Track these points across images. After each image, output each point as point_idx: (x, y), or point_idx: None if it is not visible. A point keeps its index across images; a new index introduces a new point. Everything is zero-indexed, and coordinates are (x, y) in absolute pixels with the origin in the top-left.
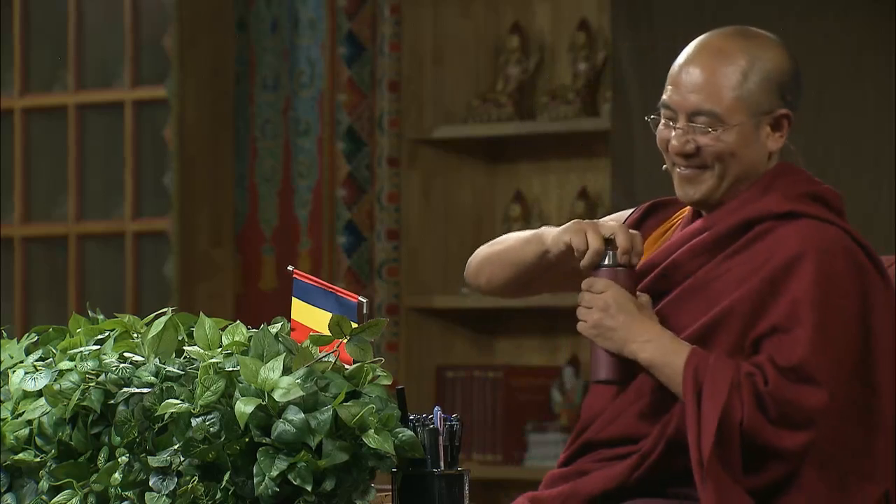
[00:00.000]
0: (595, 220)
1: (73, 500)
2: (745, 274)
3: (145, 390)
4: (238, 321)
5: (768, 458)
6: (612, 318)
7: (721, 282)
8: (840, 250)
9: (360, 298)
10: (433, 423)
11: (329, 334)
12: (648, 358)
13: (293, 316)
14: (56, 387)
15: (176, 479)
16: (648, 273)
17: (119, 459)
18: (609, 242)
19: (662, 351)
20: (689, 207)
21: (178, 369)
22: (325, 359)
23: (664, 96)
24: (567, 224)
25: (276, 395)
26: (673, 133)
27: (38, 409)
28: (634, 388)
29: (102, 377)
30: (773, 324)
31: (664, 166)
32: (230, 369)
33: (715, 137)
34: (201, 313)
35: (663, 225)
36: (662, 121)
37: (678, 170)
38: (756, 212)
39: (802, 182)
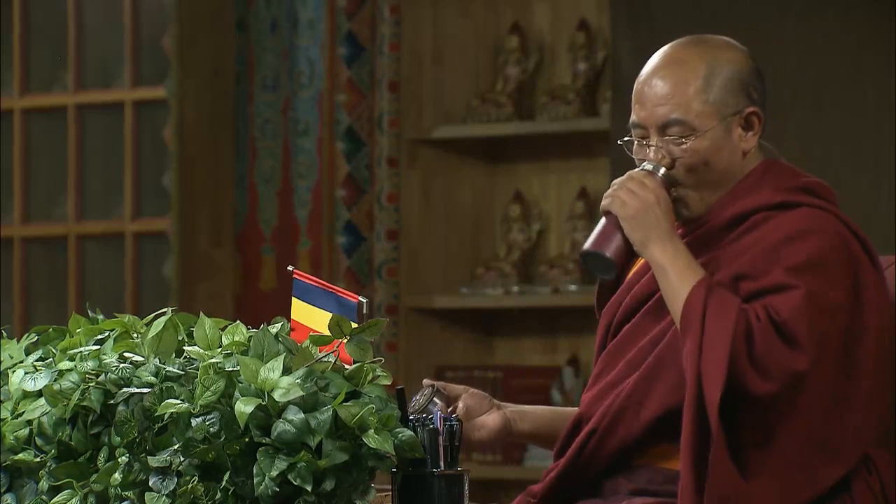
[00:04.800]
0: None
1: (73, 500)
2: (731, 260)
3: (145, 390)
4: (238, 321)
5: (737, 402)
6: (654, 216)
7: (710, 268)
8: (836, 237)
9: (359, 298)
10: (433, 423)
11: (329, 334)
12: (663, 261)
13: (293, 316)
14: (56, 387)
15: (176, 479)
16: (640, 277)
17: (119, 459)
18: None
19: (679, 264)
20: None
21: (178, 369)
22: (325, 359)
23: (632, 116)
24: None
25: (276, 395)
26: (648, 150)
27: (38, 409)
28: (630, 381)
29: (102, 377)
30: (763, 287)
31: None
32: (230, 369)
33: (687, 148)
34: (201, 313)
35: None
36: (636, 140)
37: None
38: (749, 205)
39: (792, 176)
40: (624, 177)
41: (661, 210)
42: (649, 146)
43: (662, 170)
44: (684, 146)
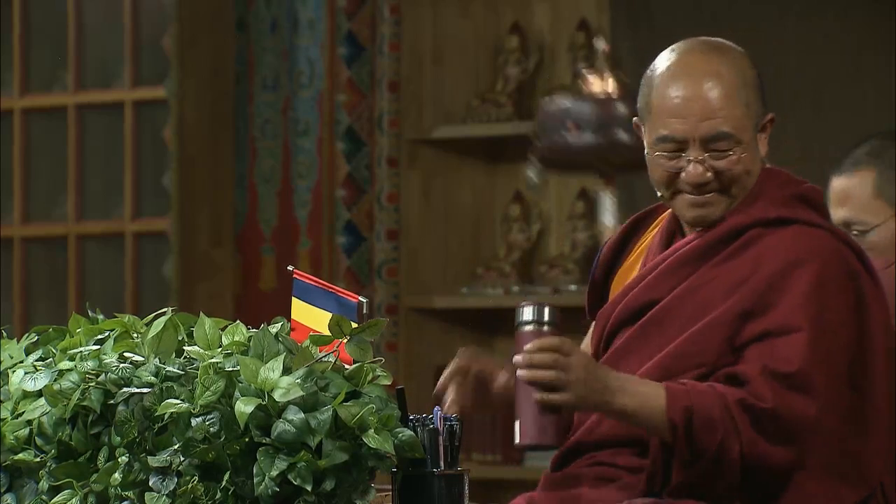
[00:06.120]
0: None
1: (73, 500)
2: (734, 282)
3: (145, 390)
4: (238, 321)
5: (763, 473)
6: (597, 378)
7: (709, 289)
8: (833, 257)
9: (360, 298)
10: (433, 423)
11: (329, 334)
12: (625, 407)
13: (293, 316)
14: (56, 387)
15: (176, 479)
16: (639, 283)
17: (119, 459)
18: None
19: (637, 397)
20: (667, 213)
21: (178, 369)
22: (325, 359)
23: (664, 131)
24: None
25: (276, 395)
26: (686, 163)
27: (38, 409)
28: None
29: (102, 377)
30: (766, 329)
31: (659, 194)
32: (230, 369)
33: (733, 160)
34: (201, 313)
35: (644, 235)
36: (665, 154)
37: (689, 197)
38: (745, 220)
39: (787, 184)
40: (532, 354)
41: (593, 365)
42: (689, 161)
43: (546, 310)
44: (730, 158)
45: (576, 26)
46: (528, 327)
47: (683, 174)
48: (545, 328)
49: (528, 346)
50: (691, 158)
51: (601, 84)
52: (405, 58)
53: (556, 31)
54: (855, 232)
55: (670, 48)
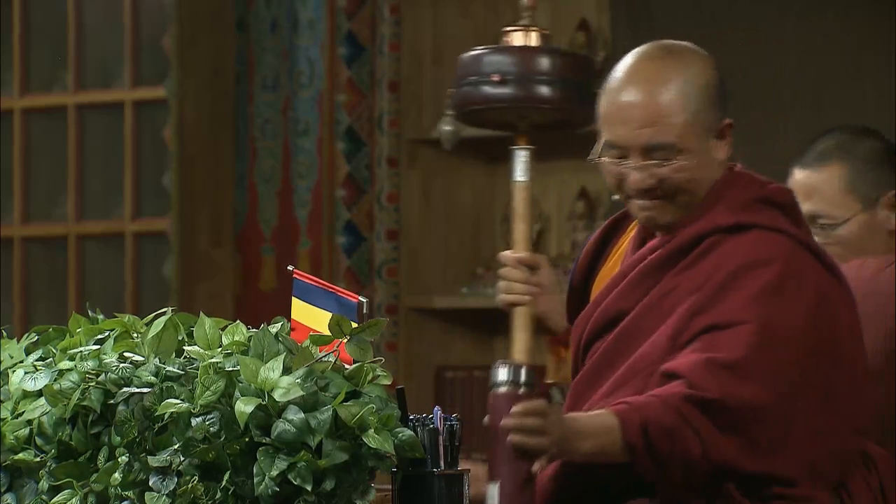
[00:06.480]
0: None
1: (73, 500)
2: (692, 289)
3: (145, 390)
4: (238, 321)
5: (726, 468)
6: (570, 432)
7: (672, 298)
8: (792, 260)
9: (360, 298)
10: (433, 423)
11: (329, 334)
12: (589, 450)
13: (293, 316)
14: (56, 387)
15: (176, 479)
16: (612, 290)
17: (119, 459)
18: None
19: (597, 436)
20: None
21: (178, 369)
22: (325, 359)
23: (608, 136)
24: None
25: (276, 395)
26: (630, 173)
27: (38, 409)
28: (602, 394)
29: (102, 377)
30: (712, 323)
31: (614, 196)
32: (230, 369)
33: (675, 168)
34: (201, 313)
35: (622, 237)
36: (609, 159)
37: (637, 202)
38: (705, 226)
39: (750, 188)
40: (523, 420)
41: (564, 420)
42: (630, 168)
43: (523, 370)
44: (671, 166)
45: (576, 26)
46: (504, 388)
47: (627, 181)
48: (521, 389)
49: (515, 411)
50: (632, 165)
51: (523, 37)
52: (405, 58)
53: (557, 30)
54: (822, 225)
55: (633, 51)
